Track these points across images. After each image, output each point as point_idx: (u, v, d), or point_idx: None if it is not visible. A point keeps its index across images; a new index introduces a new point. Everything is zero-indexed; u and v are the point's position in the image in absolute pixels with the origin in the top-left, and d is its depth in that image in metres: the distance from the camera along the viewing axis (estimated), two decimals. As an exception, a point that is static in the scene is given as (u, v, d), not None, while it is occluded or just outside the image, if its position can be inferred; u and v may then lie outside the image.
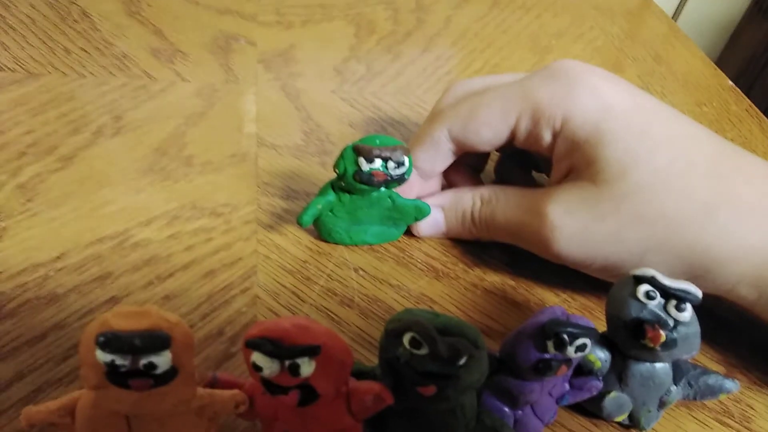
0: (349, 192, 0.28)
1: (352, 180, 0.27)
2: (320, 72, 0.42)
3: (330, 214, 0.29)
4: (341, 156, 0.27)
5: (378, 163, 0.27)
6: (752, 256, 0.25)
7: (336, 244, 0.31)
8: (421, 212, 0.30)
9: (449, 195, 0.31)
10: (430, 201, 0.31)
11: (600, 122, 0.26)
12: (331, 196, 0.29)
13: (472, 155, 0.32)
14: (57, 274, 0.27)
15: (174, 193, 0.31)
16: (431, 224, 0.31)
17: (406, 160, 0.27)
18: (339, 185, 0.28)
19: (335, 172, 0.28)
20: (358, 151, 0.27)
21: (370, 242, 0.31)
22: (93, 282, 0.27)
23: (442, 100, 0.32)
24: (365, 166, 0.27)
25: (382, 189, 0.28)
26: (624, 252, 0.26)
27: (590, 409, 0.25)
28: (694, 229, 0.26)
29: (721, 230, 0.25)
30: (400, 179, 0.28)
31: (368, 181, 0.27)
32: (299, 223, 0.28)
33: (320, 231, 0.30)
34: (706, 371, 0.25)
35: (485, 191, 0.30)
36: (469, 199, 0.31)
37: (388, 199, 0.29)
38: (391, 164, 0.27)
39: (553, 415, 0.24)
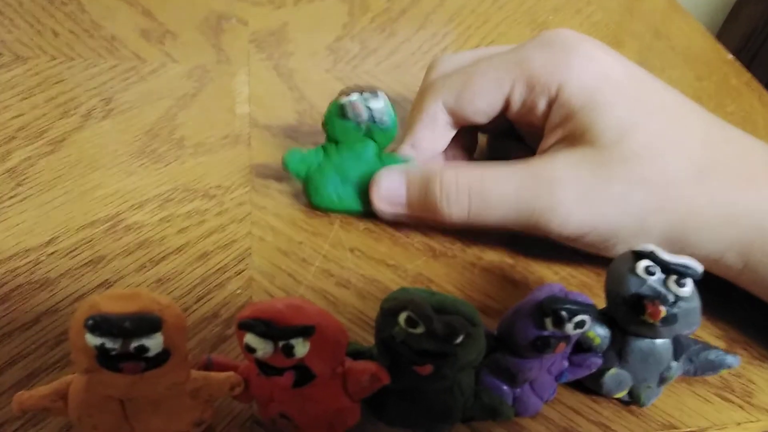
0: (336, 142, 0.29)
1: (334, 118, 0.28)
2: (313, 51, 0.41)
3: (318, 168, 0.29)
4: (327, 109, 0.29)
5: (356, 96, 0.28)
6: (740, 221, 0.26)
7: (326, 210, 0.30)
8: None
9: (420, 164, 0.29)
10: (395, 167, 0.29)
11: (596, 89, 0.26)
12: (319, 150, 0.29)
13: (463, 134, 0.32)
14: (48, 258, 0.26)
15: (166, 176, 0.31)
16: (390, 187, 0.29)
17: (380, 93, 0.28)
18: (327, 140, 0.29)
19: (323, 126, 0.29)
20: (339, 94, 0.28)
21: (358, 208, 0.30)
22: (85, 266, 0.26)
23: (430, 75, 0.31)
24: (344, 100, 0.28)
25: (369, 142, 0.29)
26: (625, 216, 0.26)
27: (590, 386, 0.25)
28: (690, 192, 0.26)
29: (713, 194, 0.26)
30: (380, 120, 0.28)
31: (346, 113, 0.28)
32: (284, 164, 0.29)
33: (308, 190, 0.30)
34: (706, 347, 0.25)
35: (463, 164, 0.29)
36: (441, 168, 0.28)
37: (376, 158, 0.29)
38: (366, 95, 0.28)
39: (552, 392, 0.24)
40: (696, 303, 0.23)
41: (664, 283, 0.23)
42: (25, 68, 0.35)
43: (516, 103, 0.28)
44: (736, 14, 1.06)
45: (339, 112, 0.28)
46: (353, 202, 0.30)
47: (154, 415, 0.20)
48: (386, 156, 0.30)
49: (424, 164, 0.29)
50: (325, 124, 0.29)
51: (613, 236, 0.27)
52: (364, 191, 0.30)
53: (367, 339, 0.26)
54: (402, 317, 0.19)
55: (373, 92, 0.28)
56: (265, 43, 0.41)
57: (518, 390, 0.23)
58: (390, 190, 0.29)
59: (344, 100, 0.28)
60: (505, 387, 0.23)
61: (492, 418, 0.23)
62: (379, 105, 0.28)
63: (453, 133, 0.30)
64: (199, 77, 0.37)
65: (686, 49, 0.51)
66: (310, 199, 0.30)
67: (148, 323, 0.17)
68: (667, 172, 0.26)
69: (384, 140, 0.29)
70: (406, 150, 0.30)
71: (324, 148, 0.30)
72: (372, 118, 0.28)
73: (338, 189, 0.30)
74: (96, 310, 0.17)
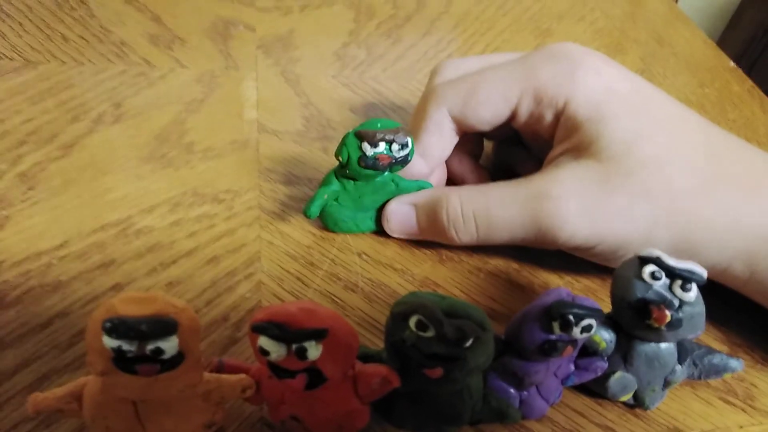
0: (353, 179, 0.28)
1: (357, 167, 0.27)
2: (320, 57, 0.42)
3: (335, 203, 0.29)
4: (344, 144, 0.27)
5: (382, 146, 0.27)
6: (746, 232, 0.26)
7: (343, 233, 0.30)
8: (423, 187, 0.30)
9: (426, 192, 0.30)
10: (403, 199, 0.30)
11: (601, 103, 0.27)
12: (335, 186, 0.28)
13: (469, 140, 0.32)
14: (60, 261, 0.27)
15: (175, 180, 0.31)
16: (401, 219, 0.30)
17: (410, 141, 0.27)
18: (343, 173, 0.28)
19: (338, 161, 0.27)
20: (361, 137, 0.26)
21: (375, 229, 0.30)
22: (96, 269, 0.27)
23: (433, 80, 0.31)
24: (369, 151, 0.26)
25: (386, 173, 0.28)
26: (633, 228, 0.26)
27: (595, 389, 0.25)
28: (696, 203, 0.26)
29: (719, 205, 0.26)
30: (404, 161, 0.28)
31: (374, 166, 0.27)
32: (306, 216, 0.28)
33: (326, 222, 0.30)
34: (710, 351, 0.25)
35: (467, 189, 0.29)
36: (446, 196, 0.28)
37: (392, 183, 0.29)
38: (395, 146, 0.27)
39: (558, 395, 0.24)
40: (700, 307, 0.23)
41: (670, 288, 0.23)
42: (35, 73, 0.36)
43: (523, 115, 0.28)
44: (737, 21, 1.06)
45: (363, 163, 0.27)
46: (371, 225, 0.30)
47: (167, 416, 0.21)
48: (402, 182, 0.29)
49: (428, 192, 0.30)
50: (343, 164, 0.27)
51: (621, 248, 0.27)
52: (380, 214, 0.30)
53: (374, 342, 0.26)
54: (412, 321, 0.20)
55: (401, 139, 0.27)
56: (273, 49, 0.41)
57: (525, 393, 0.24)
58: (401, 223, 0.30)
59: (370, 152, 0.26)
60: (512, 390, 0.23)
61: (499, 421, 0.23)
62: (406, 152, 0.27)
63: (457, 139, 0.30)
64: (208, 82, 0.38)
65: (689, 56, 0.51)
66: (329, 228, 0.30)
67: (165, 326, 0.18)
68: (672, 184, 0.26)
69: (402, 167, 0.29)
70: (414, 160, 0.30)
71: (338, 179, 0.28)
72: (396, 161, 0.27)
73: (356, 217, 0.30)
74: (113, 313, 0.18)
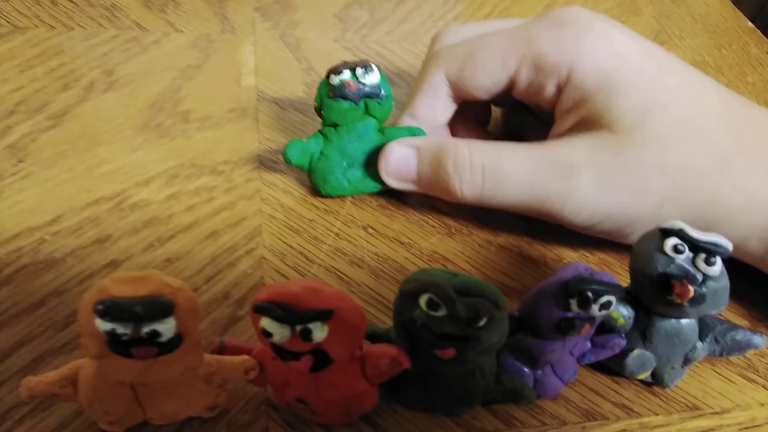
0: (333, 126, 0.28)
1: (328, 101, 0.27)
2: (321, 20, 0.40)
3: (321, 156, 0.28)
4: (317, 91, 0.27)
5: (347, 73, 0.27)
6: (764, 208, 0.25)
7: (337, 196, 0.29)
8: (415, 134, 0.29)
9: (431, 138, 0.28)
10: (406, 140, 0.28)
11: (611, 71, 0.25)
12: (317, 136, 0.28)
13: (476, 107, 0.31)
14: (53, 237, 0.26)
15: (172, 151, 0.30)
16: (400, 162, 0.28)
17: (374, 66, 0.27)
18: (325, 124, 0.28)
19: (316, 111, 0.27)
20: (327, 73, 0.27)
21: (371, 189, 0.29)
22: (91, 245, 0.26)
23: (434, 46, 0.30)
24: (335, 80, 0.27)
25: (362, 110, 0.27)
26: (642, 204, 0.25)
27: (612, 367, 0.24)
28: (712, 179, 0.25)
29: (736, 181, 0.25)
30: (376, 92, 0.27)
31: (342, 93, 0.27)
32: (285, 159, 0.27)
33: (316, 180, 0.28)
34: (733, 326, 0.24)
35: (477, 142, 0.27)
36: (455, 144, 0.27)
37: (377, 132, 0.28)
38: (359, 71, 0.27)
39: (573, 374, 0.23)
40: (725, 282, 0.22)
41: (693, 261, 0.22)
42: (23, 39, 0.34)
43: (522, 83, 0.27)
44: (751, -20, 1.03)
45: (332, 93, 0.27)
46: (365, 184, 0.29)
47: (167, 399, 0.20)
48: (389, 130, 0.28)
49: (433, 138, 0.28)
50: (318, 109, 0.27)
51: (628, 225, 0.26)
52: (373, 171, 0.28)
53: (381, 320, 0.25)
54: (423, 299, 0.19)
55: (364, 66, 0.27)
56: (271, 12, 0.40)
57: (539, 372, 0.23)
58: (399, 165, 0.28)
59: (335, 80, 0.27)
60: (525, 369, 0.23)
61: (514, 401, 0.22)
62: (374, 79, 0.27)
63: (454, 105, 0.29)
64: (204, 47, 0.36)
65: (705, 16, 0.49)
66: (320, 190, 0.29)
67: (160, 307, 0.17)
68: (688, 159, 0.25)
69: (383, 113, 0.28)
70: (405, 121, 0.29)
71: (323, 133, 0.28)
72: (368, 94, 0.27)
73: (346, 174, 0.28)
74: (105, 294, 0.17)
